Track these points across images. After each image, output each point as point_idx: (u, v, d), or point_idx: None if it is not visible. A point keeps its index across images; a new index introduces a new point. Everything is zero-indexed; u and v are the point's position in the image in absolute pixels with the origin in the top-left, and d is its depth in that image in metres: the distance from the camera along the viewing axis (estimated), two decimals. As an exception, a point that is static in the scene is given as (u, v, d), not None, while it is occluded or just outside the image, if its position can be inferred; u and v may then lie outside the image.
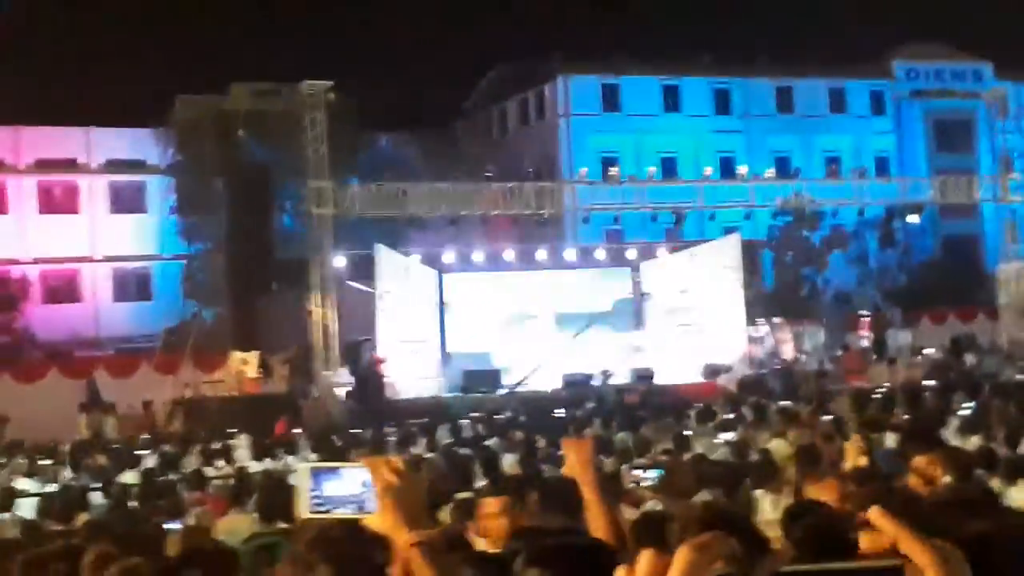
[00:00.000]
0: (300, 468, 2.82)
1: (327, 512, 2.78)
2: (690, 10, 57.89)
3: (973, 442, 10.59)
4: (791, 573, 1.81)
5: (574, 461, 4.20)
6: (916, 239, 51.37)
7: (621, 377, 31.10)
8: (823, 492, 6.41)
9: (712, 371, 31.28)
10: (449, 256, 33.44)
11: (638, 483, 4.47)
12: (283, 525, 8.48)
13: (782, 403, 21.36)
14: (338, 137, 32.46)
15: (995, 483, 7.99)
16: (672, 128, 55.79)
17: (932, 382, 24.17)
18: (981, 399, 17.14)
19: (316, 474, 2.78)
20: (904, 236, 49.60)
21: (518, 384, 30.39)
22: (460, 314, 34.13)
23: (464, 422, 20.42)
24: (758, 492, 8.76)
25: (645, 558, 1.86)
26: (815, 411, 17.17)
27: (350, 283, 31.80)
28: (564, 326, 33.96)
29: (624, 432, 15.83)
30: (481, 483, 10.29)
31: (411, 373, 31.15)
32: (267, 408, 26.44)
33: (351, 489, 2.77)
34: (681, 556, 1.82)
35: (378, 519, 2.73)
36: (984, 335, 35.86)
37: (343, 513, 2.78)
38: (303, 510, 2.78)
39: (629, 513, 6.71)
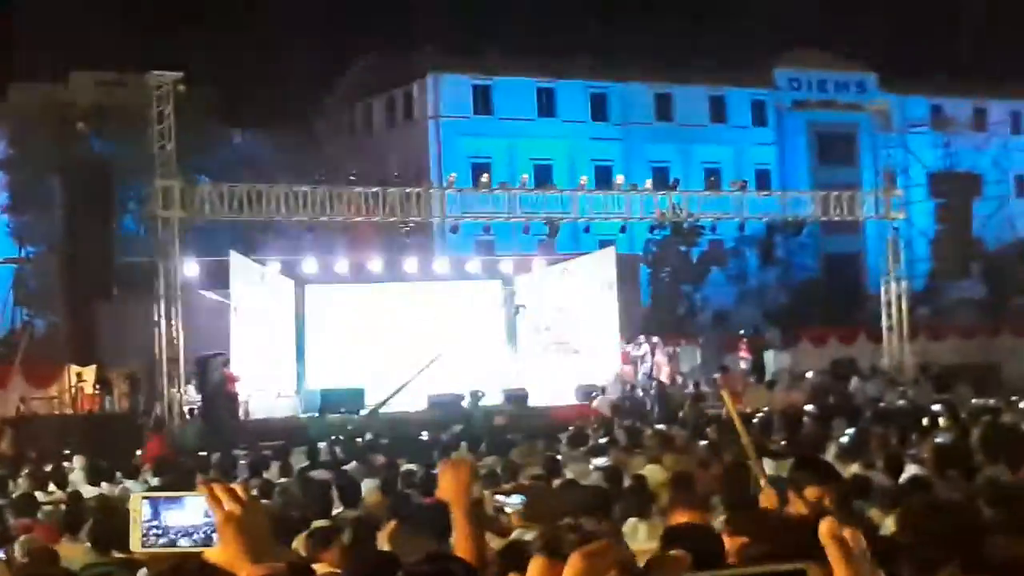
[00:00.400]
0: (132, 497, 2.76)
1: (166, 545, 2.73)
2: (568, 10, 58.34)
3: (852, 469, 10.90)
4: None
5: (450, 484, 4.25)
6: (797, 256, 52.67)
7: (493, 398, 31.21)
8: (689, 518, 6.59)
9: (585, 393, 31.55)
10: (309, 265, 33.19)
11: (501, 509, 4.52)
12: (118, 555, 8.35)
13: (658, 427, 21.70)
14: (188, 133, 32.00)
15: (873, 512, 8.26)
16: (547, 133, 56.47)
17: (811, 407, 24.76)
18: (861, 425, 17.62)
19: (154, 503, 2.74)
20: (785, 253, 50.77)
21: (380, 405, 30.26)
22: (320, 328, 33.91)
23: (322, 445, 20.29)
24: (631, 520, 8.90)
25: (536, 565, 1.86)
26: (692, 436, 17.49)
27: (201, 292, 31.35)
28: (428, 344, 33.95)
29: (492, 456, 15.89)
30: (338, 510, 10.26)
31: (266, 392, 30.83)
32: (105, 428, 25.90)
33: (194, 519, 2.72)
34: (574, 563, 1.84)
35: (219, 552, 2.69)
36: (865, 358, 36.81)
37: (184, 546, 2.72)
38: (135, 542, 2.73)
39: (495, 543, 6.79)
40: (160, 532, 2.73)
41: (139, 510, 2.73)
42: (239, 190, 30.73)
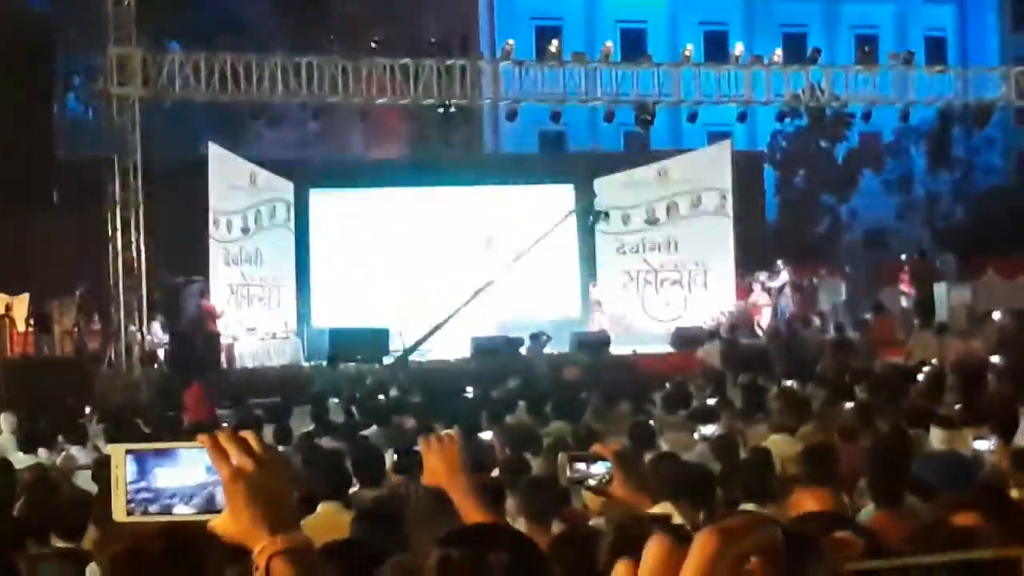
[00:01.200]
0: (112, 450, 2.80)
1: (159, 512, 2.76)
2: None
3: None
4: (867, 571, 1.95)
5: (438, 465, 4.55)
6: (981, 156, 52.06)
7: (561, 343, 31.29)
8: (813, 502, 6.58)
9: (688, 338, 31.63)
10: (314, 163, 33.30)
11: (581, 481, 4.52)
12: (61, 545, 8.45)
13: (787, 384, 21.66)
14: (153, -17, 32.08)
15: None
16: (639, -15, 55.80)
17: (997, 358, 24.56)
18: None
19: (141, 458, 2.76)
20: (965, 152, 50.21)
21: (411, 350, 30.43)
22: (329, 248, 34.09)
23: (332, 403, 20.41)
24: (749, 506, 8.87)
25: (653, 545, 1.91)
26: (833, 396, 17.41)
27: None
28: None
29: (560, 421, 15.87)
30: (354, 489, 10.31)
31: (257, 331, 31.10)
32: (42, 376, 26.15)
33: (193, 477, 2.76)
34: (701, 544, 1.86)
35: (227, 519, 2.72)
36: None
37: (182, 513, 2.77)
38: (118, 510, 2.74)
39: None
40: (151, 496, 2.75)
41: (122, 467, 2.74)
42: (221, 60, 30.75)
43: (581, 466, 4.74)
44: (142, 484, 2.74)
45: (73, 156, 34.29)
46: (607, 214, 35.27)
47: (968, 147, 49.82)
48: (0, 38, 30.28)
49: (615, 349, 31.44)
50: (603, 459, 4.73)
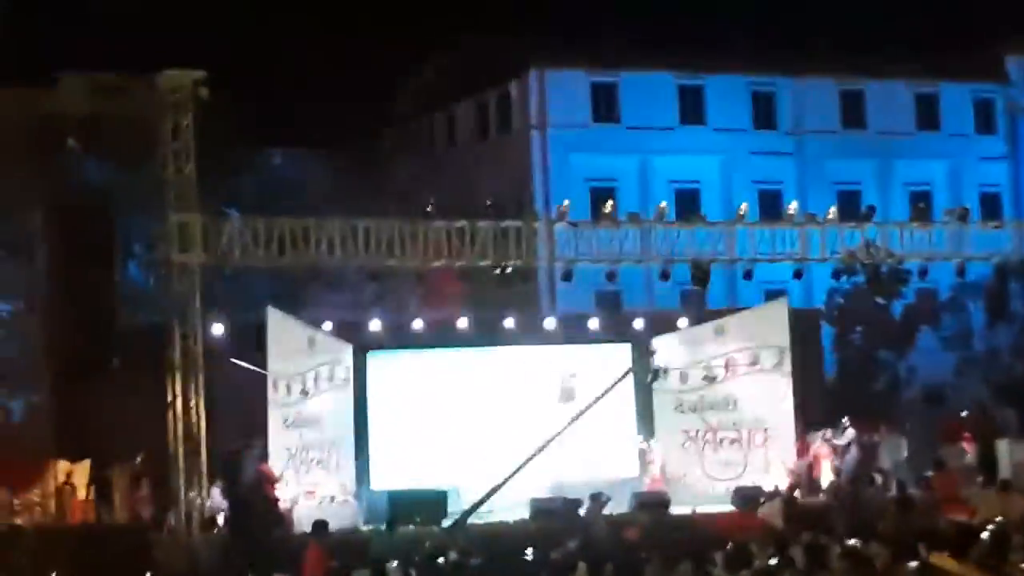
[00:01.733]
0: None
1: None
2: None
3: None
4: None
5: None
6: (1039, 310, 51.80)
7: (620, 503, 31.11)
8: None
9: (748, 497, 31.32)
10: (373, 325, 33.40)
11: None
12: None
13: (850, 543, 21.42)
14: (211, 152, 32.34)
15: None
16: (693, 146, 56.21)
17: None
18: None
19: None
20: (1022, 305, 49.92)
21: (470, 512, 30.24)
22: (388, 409, 34.10)
23: (391, 567, 20.28)
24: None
25: None
26: (896, 555, 17.19)
27: (232, 361, 31.63)
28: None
29: (621, 581, 15.76)
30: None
31: (316, 495, 30.97)
32: (102, 543, 26.13)
33: None
34: None
35: None
36: None
37: None
38: None
39: None
40: None
41: None
42: (279, 226, 30.92)
43: None
44: None
45: (134, 322, 34.48)
46: (666, 371, 35.17)
47: (1026, 302, 49.54)
48: (62, 212, 30.54)
49: (674, 509, 31.16)
50: None
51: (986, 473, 34.41)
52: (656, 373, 35.18)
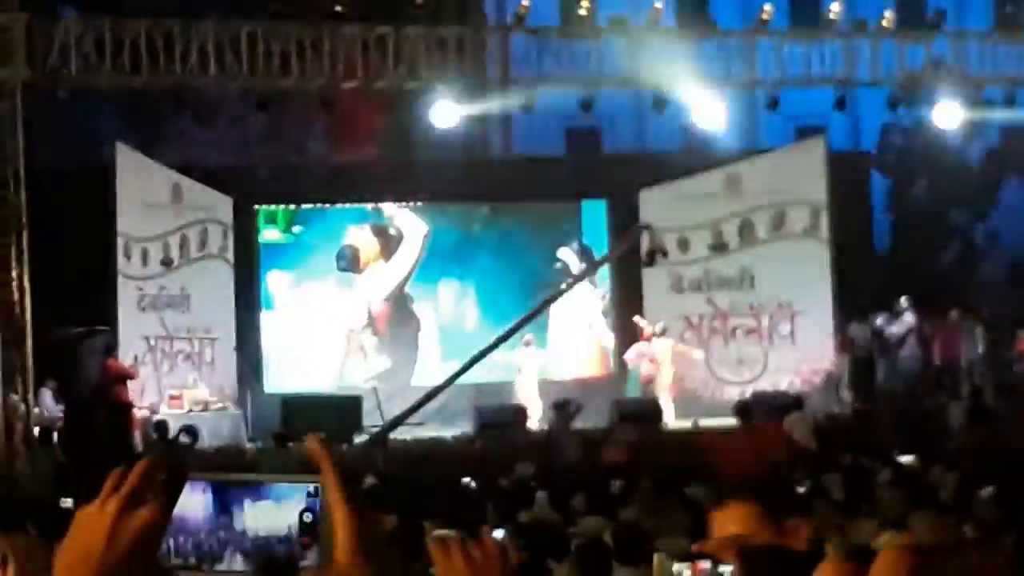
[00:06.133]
0: None
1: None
2: None
3: None
4: None
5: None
6: None
7: (595, 413, 31.22)
8: None
9: (769, 406, 31.52)
10: (260, 171, 33.37)
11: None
12: None
13: (903, 465, 21.46)
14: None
15: None
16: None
17: None
18: None
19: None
20: None
21: (395, 424, 30.27)
22: (283, 285, 34.68)
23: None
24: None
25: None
26: (968, 484, 17.14)
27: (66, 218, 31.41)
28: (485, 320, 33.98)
29: (597, 516, 15.89)
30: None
31: (182, 399, 30.97)
32: None
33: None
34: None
35: None
36: None
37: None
38: None
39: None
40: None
41: None
42: (132, 31, 30.61)
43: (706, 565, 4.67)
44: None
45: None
46: (665, 253, 34.87)
47: None
48: None
49: (671, 421, 31.47)
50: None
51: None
52: (653, 254, 34.89)
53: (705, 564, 10.12)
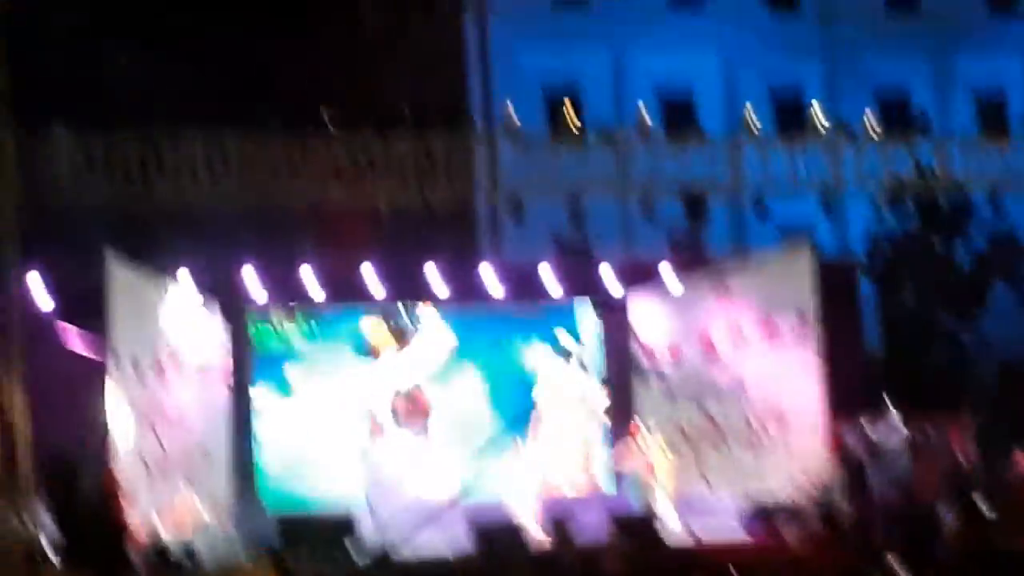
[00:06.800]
0: None
1: None
2: None
3: None
4: None
5: None
6: None
7: (595, 526, 31.04)
8: None
9: (762, 512, 31.70)
10: (250, 280, 33.49)
11: None
12: None
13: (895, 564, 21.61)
14: (31, 50, 32.30)
15: None
16: (685, 39, 56.14)
17: None
18: None
19: None
20: None
21: (391, 544, 30.21)
22: (276, 396, 34.46)
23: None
24: None
25: None
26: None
27: (60, 329, 31.51)
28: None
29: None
30: None
31: (177, 515, 30.83)
32: None
33: None
34: None
35: None
36: None
37: None
38: None
39: None
40: None
41: None
42: (122, 147, 30.80)
43: None
44: None
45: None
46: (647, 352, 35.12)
47: None
48: None
49: (669, 532, 31.28)
50: None
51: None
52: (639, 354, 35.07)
53: None
